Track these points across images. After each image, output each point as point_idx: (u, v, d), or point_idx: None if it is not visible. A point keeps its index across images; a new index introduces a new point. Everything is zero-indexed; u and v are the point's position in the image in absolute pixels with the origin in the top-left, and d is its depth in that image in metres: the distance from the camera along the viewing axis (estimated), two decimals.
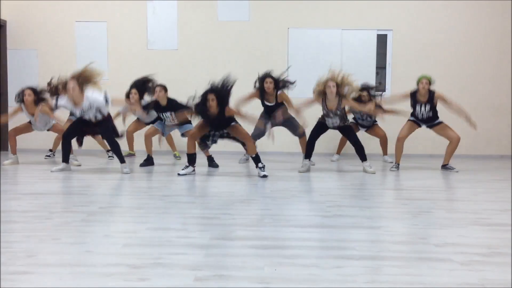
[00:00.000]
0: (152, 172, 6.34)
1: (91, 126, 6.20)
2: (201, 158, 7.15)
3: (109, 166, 6.95)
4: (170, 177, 6.05)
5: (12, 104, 8.85)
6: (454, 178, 6.11)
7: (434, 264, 2.72)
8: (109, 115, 6.32)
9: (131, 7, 8.74)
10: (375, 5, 8.67)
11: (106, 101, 6.01)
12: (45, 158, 7.70)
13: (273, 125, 7.01)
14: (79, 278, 2.43)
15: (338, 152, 7.94)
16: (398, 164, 6.75)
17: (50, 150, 7.95)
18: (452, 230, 3.52)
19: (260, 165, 5.93)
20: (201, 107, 5.71)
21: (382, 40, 8.83)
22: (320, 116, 6.55)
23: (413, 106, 6.66)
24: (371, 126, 7.69)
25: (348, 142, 7.72)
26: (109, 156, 7.79)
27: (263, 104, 7.07)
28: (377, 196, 4.98)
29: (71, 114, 7.24)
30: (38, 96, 6.75)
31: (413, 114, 6.77)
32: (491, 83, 8.70)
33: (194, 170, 6.10)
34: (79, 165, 6.78)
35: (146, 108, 6.73)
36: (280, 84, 6.87)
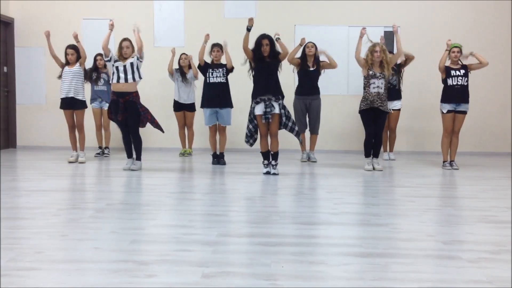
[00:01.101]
0: (159, 170, 6.34)
1: (121, 107, 6.06)
2: (208, 157, 7.15)
3: (115, 163, 6.95)
4: (177, 174, 6.06)
5: (19, 101, 8.93)
6: (461, 175, 6.08)
7: (441, 261, 2.71)
8: (138, 96, 6.23)
9: (137, 5, 8.75)
10: (382, 2, 8.62)
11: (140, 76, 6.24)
12: (95, 156, 7.59)
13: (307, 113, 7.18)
14: (86, 275, 2.44)
15: (391, 149, 7.77)
16: (453, 161, 6.65)
17: (100, 148, 7.86)
18: (459, 227, 3.50)
19: (273, 162, 5.86)
20: (256, 51, 5.71)
21: (389, 37, 8.78)
22: (361, 103, 6.28)
23: (447, 74, 6.54)
24: (393, 109, 7.50)
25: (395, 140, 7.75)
26: (104, 154, 7.69)
27: (302, 70, 7.09)
28: (384, 193, 4.97)
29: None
30: (79, 54, 6.91)
31: (444, 97, 6.59)
32: (498, 81, 8.64)
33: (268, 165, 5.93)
34: (83, 162, 6.72)
35: (205, 66, 6.86)
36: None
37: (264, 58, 5.74)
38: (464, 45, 8.53)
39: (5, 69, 8.81)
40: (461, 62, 6.58)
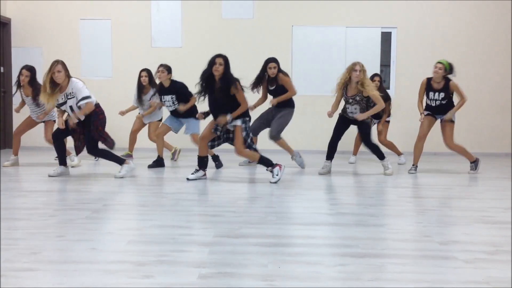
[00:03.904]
0: (155, 171, 6.34)
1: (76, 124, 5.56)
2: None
3: (111, 163, 6.93)
4: (174, 175, 6.06)
5: (16, 102, 8.89)
6: (459, 176, 6.09)
7: (438, 262, 2.71)
8: (96, 111, 5.56)
9: (135, 5, 8.75)
10: (379, 3, 8.64)
11: (90, 97, 5.47)
12: (55, 160, 7.40)
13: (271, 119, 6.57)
14: (83, 275, 2.44)
15: (355, 153, 7.56)
16: (417, 166, 6.36)
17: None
18: (456, 228, 3.51)
19: (269, 168, 5.42)
20: (206, 71, 5.25)
21: (386, 38, 8.81)
22: (342, 110, 6.19)
23: (427, 92, 6.25)
24: (380, 121, 7.26)
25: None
26: (95, 158, 7.34)
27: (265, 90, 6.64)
28: (381, 194, 4.97)
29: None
30: (34, 76, 6.42)
31: (426, 106, 6.34)
32: (495, 81, 8.67)
33: (205, 175, 5.59)
34: (74, 166, 6.45)
35: (155, 92, 6.56)
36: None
37: (214, 86, 5.26)
38: (464, 45, 8.59)
39: (1, 69, 8.80)
40: (446, 78, 6.14)
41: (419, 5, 8.64)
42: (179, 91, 6.45)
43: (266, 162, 5.43)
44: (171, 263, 2.62)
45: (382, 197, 4.82)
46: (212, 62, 5.24)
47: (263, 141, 6.97)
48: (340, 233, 3.31)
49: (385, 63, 9.05)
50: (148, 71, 7.18)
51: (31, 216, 3.70)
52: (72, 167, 6.44)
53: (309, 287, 2.32)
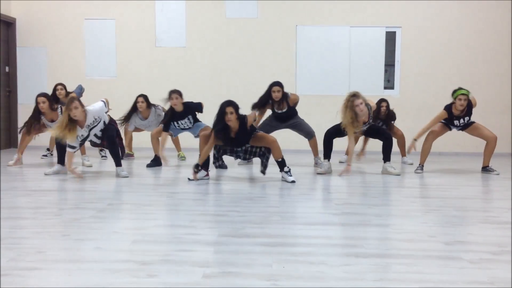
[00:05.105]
0: (159, 170, 6.35)
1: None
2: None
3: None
4: (178, 175, 6.06)
5: (21, 101, 8.94)
6: (463, 176, 6.07)
7: (443, 262, 2.70)
8: (110, 118, 5.92)
9: (139, 5, 8.76)
10: (383, 2, 8.63)
11: (105, 104, 5.71)
12: (42, 158, 7.52)
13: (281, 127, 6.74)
14: (88, 274, 2.44)
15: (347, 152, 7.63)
16: (423, 166, 6.34)
17: (48, 149, 7.74)
18: (461, 228, 3.50)
19: (286, 169, 5.40)
20: (220, 123, 5.11)
21: (391, 38, 8.79)
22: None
23: (450, 120, 6.21)
24: (387, 125, 7.19)
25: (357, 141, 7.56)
26: (102, 156, 7.48)
27: (273, 114, 6.71)
28: (385, 194, 4.96)
29: None
30: (51, 101, 6.31)
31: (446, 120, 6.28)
32: (500, 81, 8.64)
33: (207, 175, 5.55)
34: (90, 166, 6.52)
35: (165, 120, 6.45)
36: None
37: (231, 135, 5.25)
38: (468, 45, 8.57)
39: (7, 69, 8.83)
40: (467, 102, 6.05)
41: (424, 5, 8.63)
42: (193, 109, 6.48)
43: (284, 162, 5.44)
44: (176, 263, 2.63)
45: (387, 197, 4.81)
46: (223, 112, 5.08)
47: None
48: (345, 233, 3.31)
49: (390, 63, 9.04)
50: (145, 96, 7.10)
51: (36, 215, 3.72)
52: (88, 166, 6.48)
53: (314, 287, 2.32)
